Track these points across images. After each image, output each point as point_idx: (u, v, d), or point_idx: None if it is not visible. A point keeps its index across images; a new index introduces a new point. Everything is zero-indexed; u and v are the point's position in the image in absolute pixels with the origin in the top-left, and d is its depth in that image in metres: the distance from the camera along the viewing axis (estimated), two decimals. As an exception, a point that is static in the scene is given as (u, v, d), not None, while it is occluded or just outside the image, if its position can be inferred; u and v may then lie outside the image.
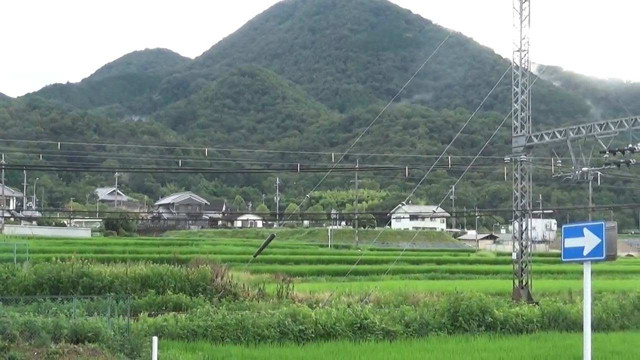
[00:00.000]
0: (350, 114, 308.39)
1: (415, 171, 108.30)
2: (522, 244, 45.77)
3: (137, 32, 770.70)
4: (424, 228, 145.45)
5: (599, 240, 16.38)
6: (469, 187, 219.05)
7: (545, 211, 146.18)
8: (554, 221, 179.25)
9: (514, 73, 45.79)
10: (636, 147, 39.04)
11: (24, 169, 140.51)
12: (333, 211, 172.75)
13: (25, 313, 25.41)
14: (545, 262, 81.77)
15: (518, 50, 45.50)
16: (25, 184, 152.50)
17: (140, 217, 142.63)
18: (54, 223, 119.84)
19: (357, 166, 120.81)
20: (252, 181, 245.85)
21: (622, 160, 40.47)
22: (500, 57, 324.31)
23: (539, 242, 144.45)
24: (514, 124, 45.32)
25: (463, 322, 30.17)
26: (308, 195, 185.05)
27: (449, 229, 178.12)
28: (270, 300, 37.84)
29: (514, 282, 45.99)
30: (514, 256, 46.44)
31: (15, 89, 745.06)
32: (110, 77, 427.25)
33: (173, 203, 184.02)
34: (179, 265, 41.27)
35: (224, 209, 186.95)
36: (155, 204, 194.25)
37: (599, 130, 40.79)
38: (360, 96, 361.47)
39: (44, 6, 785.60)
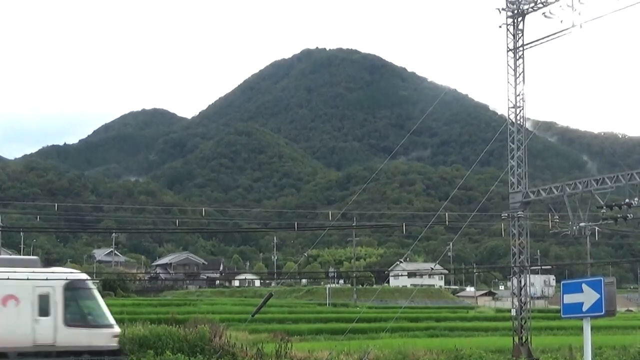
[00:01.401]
0: (347, 172, 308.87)
1: (413, 228, 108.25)
2: (521, 300, 45.59)
3: (134, 93, 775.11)
4: (422, 285, 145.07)
5: (598, 296, 16.39)
6: (466, 244, 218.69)
7: (543, 267, 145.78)
8: (552, 277, 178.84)
9: (510, 129, 46.00)
10: (633, 202, 39.08)
11: (21, 231, 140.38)
12: (331, 269, 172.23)
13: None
14: (545, 318, 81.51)
15: (513, 107, 45.76)
16: (22, 245, 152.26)
17: (138, 278, 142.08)
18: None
19: (354, 224, 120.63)
20: (249, 240, 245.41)
21: (619, 215, 40.49)
22: (495, 113, 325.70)
23: (537, 298, 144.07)
24: (511, 180, 45.43)
25: (463, 380, 29.99)
26: (306, 254, 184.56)
27: (447, 286, 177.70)
28: (269, 360, 37.62)
29: (513, 338, 45.71)
30: (513, 312, 46.22)
31: (12, 151, 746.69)
32: (107, 138, 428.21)
33: (170, 263, 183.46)
34: (177, 326, 41.06)
35: (221, 268, 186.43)
36: (153, 264, 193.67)
37: (596, 185, 40.89)
38: (357, 154, 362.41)
39: (40, 68, 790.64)
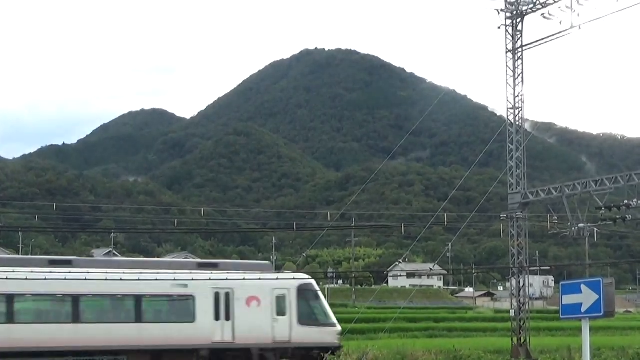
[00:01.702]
0: (346, 173, 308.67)
1: (412, 229, 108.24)
2: (519, 300, 45.62)
3: (133, 93, 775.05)
4: (421, 286, 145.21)
5: (597, 297, 16.39)
6: (465, 245, 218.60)
7: (542, 268, 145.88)
8: (551, 278, 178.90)
9: (509, 130, 46.06)
10: (632, 203, 39.12)
11: (20, 231, 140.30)
12: (330, 270, 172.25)
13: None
14: (544, 318, 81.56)
15: (512, 108, 45.82)
16: (21, 245, 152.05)
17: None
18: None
19: (353, 224, 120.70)
20: (248, 240, 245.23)
21: (618, 217, 40.54)
22: (494, 114, 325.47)
23: (536, 298, 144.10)
24: (510, 181, 45.47)
25: (462, 380, 30.01)
26: (305, 254, 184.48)
27: (446, 287, 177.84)
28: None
29: (512, 339, 45.77)
30: (512, 313, 46.29)
31: (11, 151, 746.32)
32: (106, 138, 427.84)
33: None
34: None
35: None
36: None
37: (594, 186, 40.94)
38: (356, 154, 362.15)
39: (39, 68, 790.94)
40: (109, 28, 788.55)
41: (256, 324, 35.08)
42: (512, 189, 45.32)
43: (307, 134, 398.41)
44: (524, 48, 45.76)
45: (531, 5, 44.77)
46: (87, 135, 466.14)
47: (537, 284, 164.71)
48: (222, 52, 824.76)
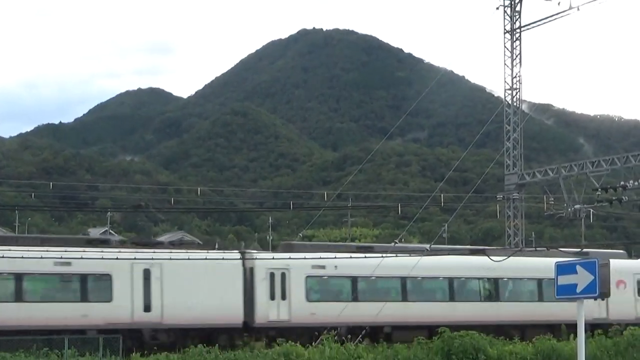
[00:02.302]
0: (343, 153, 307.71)
1: (408, 209, 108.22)
2: (515, 281, 45.64)
3: (130, 72, 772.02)
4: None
5: (592, 278, 16.44)
6: (461, 225, 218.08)
7: (538, 249, 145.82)
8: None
9: (506, 111, 46.01)
10: (628, 185, 39.17)
11: (16, 209, 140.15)
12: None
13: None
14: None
15: (509, 89, 45.79)
16: (17, 224, 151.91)
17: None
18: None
19: (350, 205, 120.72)
20: (244, 220, 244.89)
21: (614, 198, 40.63)
22: (492, 95, 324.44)
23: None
24: (506, 162, 45.48)
25: (457, 360, 30.08)
26: (301, 234, 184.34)
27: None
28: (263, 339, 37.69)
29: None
30: (508, 294, 46.32)
31: (8, 129, 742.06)
32: (102, 117, 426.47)
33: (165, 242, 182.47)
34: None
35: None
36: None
37: (591, 167, 41.01)
38: (353, 135, 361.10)
39: (38, 46, 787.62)
40: (106, 6, 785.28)
41: (623, 302, 42.26)
42: (509, 170, 45.39)
43: (304, 114, 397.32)
44: (522, 29, 45.77)
45: (529, -14, 44.63)
46: (84, 115, 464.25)
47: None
48: (219, 31, 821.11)
